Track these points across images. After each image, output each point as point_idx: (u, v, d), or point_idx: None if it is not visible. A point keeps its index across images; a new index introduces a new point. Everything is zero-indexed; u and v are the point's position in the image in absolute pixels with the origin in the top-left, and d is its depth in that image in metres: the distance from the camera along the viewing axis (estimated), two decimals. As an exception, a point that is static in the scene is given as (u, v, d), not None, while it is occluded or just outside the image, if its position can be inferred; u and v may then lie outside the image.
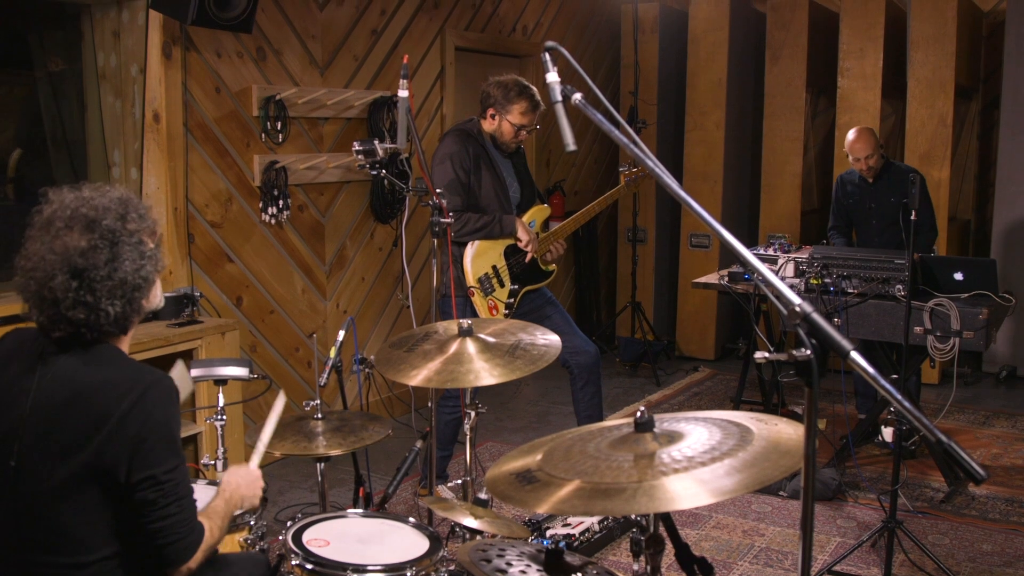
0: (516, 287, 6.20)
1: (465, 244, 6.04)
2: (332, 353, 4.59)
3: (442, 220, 4.92)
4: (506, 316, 6.10)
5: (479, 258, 6.06)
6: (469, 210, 6.07)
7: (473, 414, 4.60)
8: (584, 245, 10.84)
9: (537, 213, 6.36)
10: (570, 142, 2.78)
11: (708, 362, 10.29)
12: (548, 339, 4.22)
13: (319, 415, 4.48)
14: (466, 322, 4.23)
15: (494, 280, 6.10)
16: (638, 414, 2.89)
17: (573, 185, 10.68)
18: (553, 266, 6.39)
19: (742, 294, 7.31)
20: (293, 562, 3.50)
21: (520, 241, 6.17)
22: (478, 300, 6.02)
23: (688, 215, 10.36)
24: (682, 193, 2.45)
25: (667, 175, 2.47)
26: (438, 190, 4.97)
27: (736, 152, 10.40)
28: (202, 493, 3.72)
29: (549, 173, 10.35)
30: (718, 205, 10.08)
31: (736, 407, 7.65)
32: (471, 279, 6.01)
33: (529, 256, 6.20)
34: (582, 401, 6.38)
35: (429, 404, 5.05)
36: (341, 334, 4.64)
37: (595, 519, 5.69)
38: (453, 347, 4.12)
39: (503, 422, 8.24)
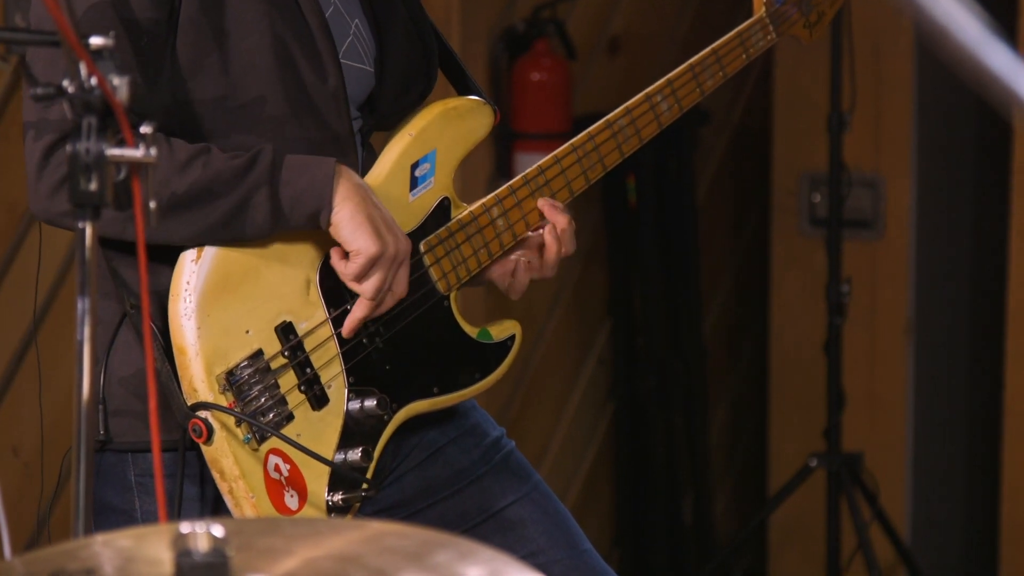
0: (371, 406, 1.79)
1: (171, 254, 1.74)
2: None
3: (124, 156, 1.25)
4: (342, 505, 1.79)
5: (229, 306, 1.74)
6: (179, 125, 1.73)
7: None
8: (648, 223, 3.61)
9: (442, 131, 1.87)
10: None
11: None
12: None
13: None
14: (199, 533, 1.03)
15: (286, 379, 1.77)
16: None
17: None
18: (508, 326, 1.93)
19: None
20: None
21: (339, 254, 1.76)
22: (220, 451, 1.71)
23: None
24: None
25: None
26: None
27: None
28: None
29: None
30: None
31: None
32: (201, 377, 1.70)
33: (367, 308, 1.77)
34: None
35: None
36: None
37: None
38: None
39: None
